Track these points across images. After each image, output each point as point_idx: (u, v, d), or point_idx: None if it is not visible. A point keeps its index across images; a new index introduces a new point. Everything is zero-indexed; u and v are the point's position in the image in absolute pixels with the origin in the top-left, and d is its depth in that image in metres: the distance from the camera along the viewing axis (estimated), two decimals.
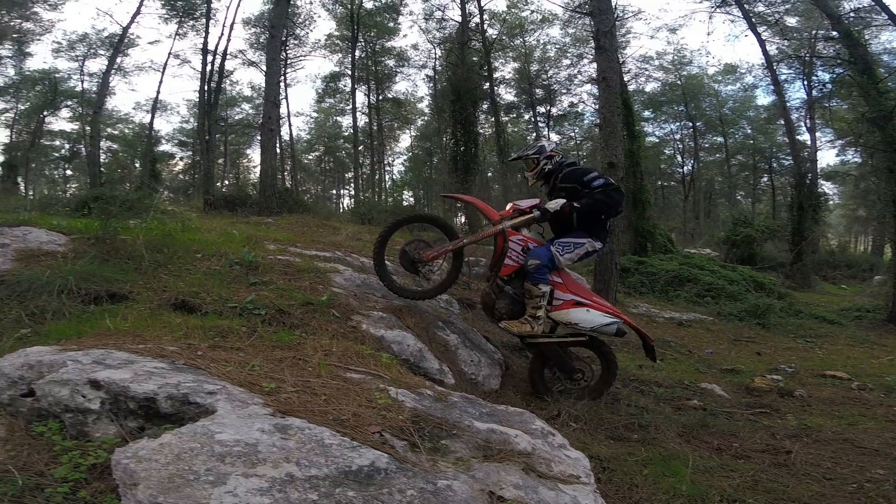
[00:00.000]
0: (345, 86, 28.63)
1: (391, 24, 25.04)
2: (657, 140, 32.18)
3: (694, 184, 31.49)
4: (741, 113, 29.86)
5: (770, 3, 17.20)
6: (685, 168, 33.15)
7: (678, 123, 31.39)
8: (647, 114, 29.88)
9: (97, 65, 25.18)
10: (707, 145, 32.17)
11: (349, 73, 26.19)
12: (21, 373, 1.70)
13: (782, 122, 21.76)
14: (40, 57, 42.25)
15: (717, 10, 17.13)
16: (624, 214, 6.71)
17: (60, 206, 7.53)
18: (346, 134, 34.82)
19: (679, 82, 28.64)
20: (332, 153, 39.81)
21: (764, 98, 30.38)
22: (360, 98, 27.77)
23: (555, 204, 3.55)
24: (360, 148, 28.15)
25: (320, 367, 2.35)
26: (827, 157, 51.03)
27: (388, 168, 37.11)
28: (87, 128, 23.89)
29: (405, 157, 37.93)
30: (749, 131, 30.65)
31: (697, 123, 30.24)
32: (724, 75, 28.63)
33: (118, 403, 1.56)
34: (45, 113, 27.48)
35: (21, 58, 23.94)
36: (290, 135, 30.45)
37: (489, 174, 25.88)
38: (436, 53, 25.44)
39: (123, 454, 1.28)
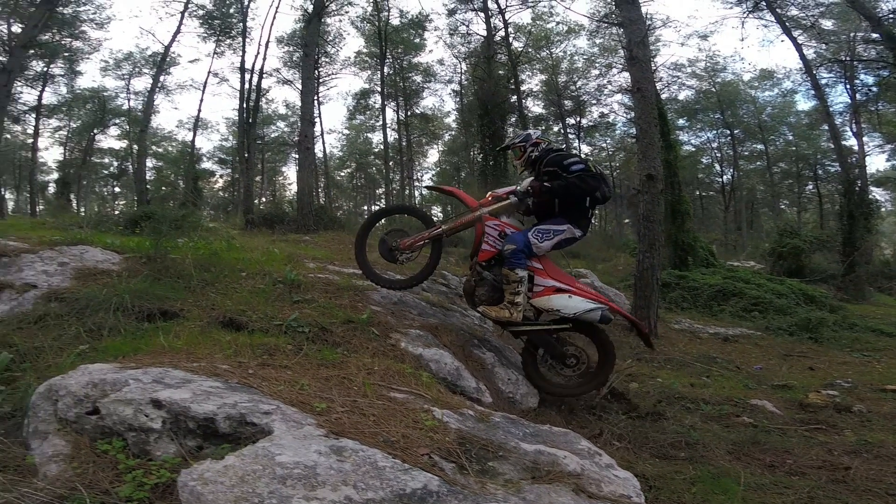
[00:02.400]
0: (374, 102, 29.26)
1: (417, 41, 25.52)
2: (693, 149, 31.39)
3: (734, 193, 30.48)
4: (781, 119, 28.88)
5: (804, 6, 16.69)
6: (724, 177, 32.16)
7: (715, 131, 30.57)
8: (681, 122, 29.27)
9: (142, 83, 26.66)
10: (747, 153, 31.11)
11: (378, 89, 26.76)
12: (86, 391, 1.76)
13: (826, 128, 20.97)
14: (89, 76, 44.81)
15: (750, 15, 16.73)
16: (663, 228, 6.56)
17: (111, 223, 7.86)
18: (377, 150, 35.54)
19: (713, 89, 27.98)
20: (364, 169, 40.65)
21: (805, 103, 29.42)
22: (389, 114, 28.33)
23: (525, 183, 3.59)
24: (390, 164, 28.61)
25: (365, 387, 2.37)
26: (876, 162, 48.71)
27: (417, 183, 37.55)
28: (135, 146, 25.06)
29: (433, 173, 38.33)
30: (791, 137, 29.56)
31: (735, 131, 29.34)
32: (760, 81, 27.88)
33: (178, 423, 1.60)
34: (95, 131, 28.87)
35: (72, 76, 25.27)
36: (324, 152, 31.26)
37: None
38: (461, 68, 25.82)
39: (189, 476, 1.30)
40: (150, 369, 1.93)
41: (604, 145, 32.08)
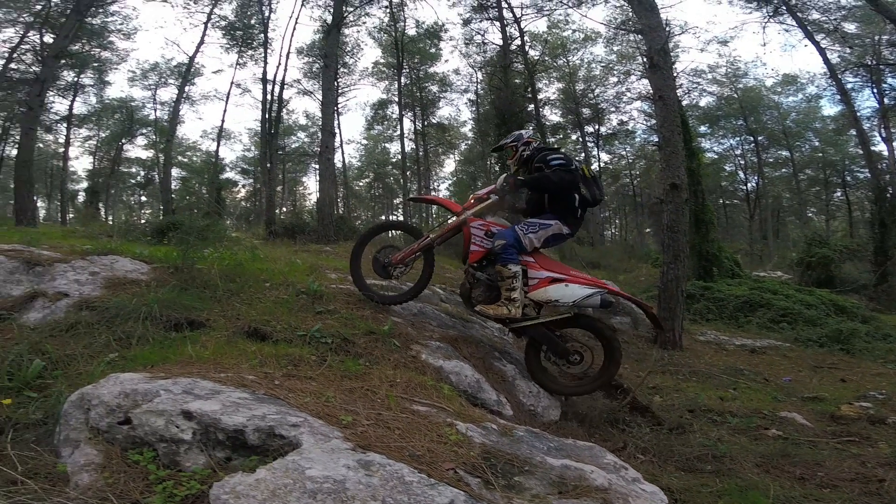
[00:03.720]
0: (392, 112, 29.57)
1: (432, 50, 25.74)
2: (716, 156, 30.87)
3: (759, 201, 29.80)
4: (806, 125, 28.28)
5: (825, 10, 16.36)
6: (749, 185, 31.51)
7: (738, 138, 30.02)
8: (703, 129, 28.83)
9: (168, 93, 27.33)
10: (771, 160, 30.48)
11: (396, 99, 27.05)
12: (118, 401, 1.79)
13: (854, 133, 20.41)
14: (118, 86, 46.30)
15: (770, 20, 16.49)
16: (687, 238, 6.44)
17: (138, 232, 8.04)
18: (394, 160, 35.86)
19: (735, 95, 27.55)
20: (381, 179, 41.04)
21: (830, 108, 28.69)
22: (406, 124, 28.62)
23: (501, 179, 3.65)
24: (408, 173, 28.83)
25: (389, 399, 2.37)
26: None
27: (434, 193, 37.73)
28: (161, 156, 25.67)
29: (450, 182, 38.49)
30: (817, 143, 28.91)
31: (759, 137, 28.77)
32: (783, 86, 27.35)
33: (208, 434, 1.61)
34: (123, 140, 29.60)
35: (101, 86, 26.00)
36: (343, 162, 31.72)
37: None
38: (477, 77, 25.93)
39: (222, 489, 1.31)
40: (179, 379, 1.95)
41: (623, 153, 31.81)
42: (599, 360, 3.58)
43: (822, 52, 16.25)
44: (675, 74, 20.20)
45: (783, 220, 32.98)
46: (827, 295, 10.23)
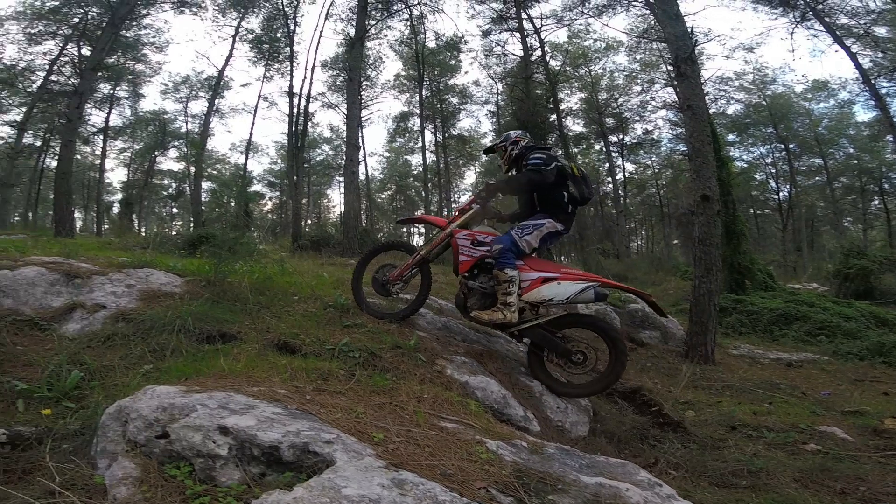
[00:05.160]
0: (413, 125, 29.82)
1: (452, 62, 25.91)
2: (745, 165, 30.11)
3: (792, 211, 28.85)
4: (840, 131, 27.33)
5: (854, 14, 15.88)
6: (780, 194, 30.56)
7: (768, 146, 29.23)
8: (731, 137, 28.19)
9: (198, 106, 28.11)
10: (804, 168, 29.51)
11: (417, 111, 27.28)
12: (156, 415, 1.83)
13: (890, 139, 19.66)
14: (151, 99, 48.04)
15: (798, 25, 16.07)
16: (720, 251, 6.26)
17: (170, 244, 8.24)
18: (416, 172, 36.12)
19: (764, 102, 26.89)
20: (403, 191, 41.37)
21: (864, 114, 27.76)
22: (428, 136, 28.81)
23: (481, 186, 3.66)
24: (429, 185, 29.00)
25: (417, 416, 2.36)
26: None
27: (454, 205, 37.86)
28: (192, 168, 26.38)
29: (470, 194, 38.54)
30: (851, 150, 27.87)
31: (790, 145, 27.94)
32: (814, 92, 26.56)
33: (244, 450, 1.63)
34: (156, 153, 30.41)
35: (136, 99, 26.94)
36: (366, 174, 32.05)
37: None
38: (497, 88, 25.95)
39: None
40: (214, 393, 1.98)
41: (649, 163, 31.29)
42: (605, 360, 3.57)
43: (853, 56, 15.78)
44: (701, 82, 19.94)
45: (818, 230, 31.82)
46: (867, 307, 9.84)
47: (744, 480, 2.90)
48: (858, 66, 16.02)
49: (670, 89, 22.99)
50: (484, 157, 34.25)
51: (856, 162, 27.79)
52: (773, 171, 30.54)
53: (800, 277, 17.60)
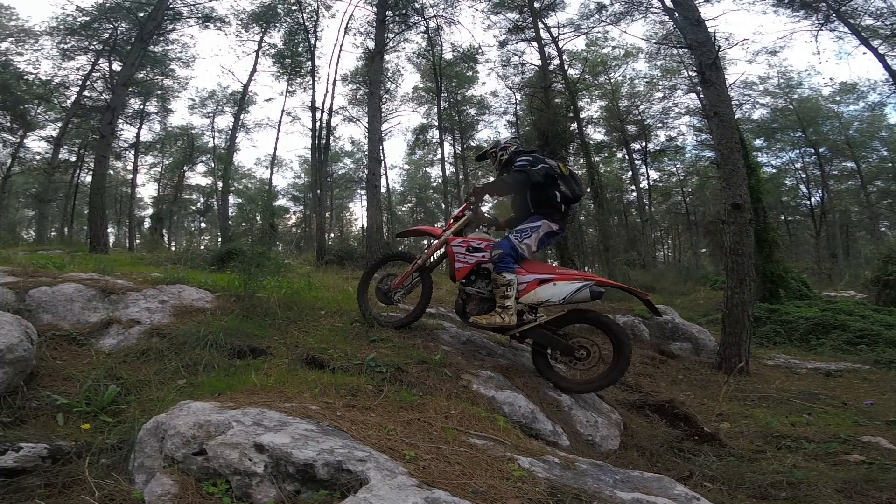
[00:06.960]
0: (432, 137, 30.02)
1: (469, 73, 26.01)
2: (774, 170, 29.28)
3: (825, 217, 27.86)
4: (871, 133, 26.44)
5: (878, 15, 15.39)
6: (812, 199, 29.55)
7: (797, 150, 28.40)
8: (758, 143, 27.52)
9: (224, 121, 28.77)
10: (836, 172, 28.55)
11: (436, 123, 27.46)
12: (193, 431, 1.86)
13: None
14: (179, 114, 49.76)
15: (823, 27, 15.65)
16: (752, 260, 6.07)
17: (199, 259, 8.43)
18: (435, 184, 36.26)
19: (791, 106, 26.21)
20: (423, 203, 41.58)
21: None
22: (447, 148, 28.93)
23: (469, 190, 3.69)
24: (448, 197, 29.07)
25: (445, 432, 2.34)
26: None
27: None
28: (219, 182, 27.02)
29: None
30: (885, 153, 26.88)
31: (821, 149, 27.10)
32: (842, 95, 25.78)
33: (279, 467, 1.64)
34: (185, 168, 31.07)
35: (164, 114, 27.62)
36: (387, 187, 32.31)
37: (581, 218, 25.14)
38: (516, 98, 25.91)
39: None
40: (248, 409, 2.01)
41: (673, 170, 30.72)
42: (609, 355, 3.55)
43: (881, 58, 15.26)
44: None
45: (853, 236, 30.65)
46: None
47: (783, 492, 2.81)
48: (887, 66, 15.48)
49: (693, 95, 22.63)
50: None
51: (891, 165, 26.79)
52: (804, 176, 29.64)
53: (836, 285, 16.96)
